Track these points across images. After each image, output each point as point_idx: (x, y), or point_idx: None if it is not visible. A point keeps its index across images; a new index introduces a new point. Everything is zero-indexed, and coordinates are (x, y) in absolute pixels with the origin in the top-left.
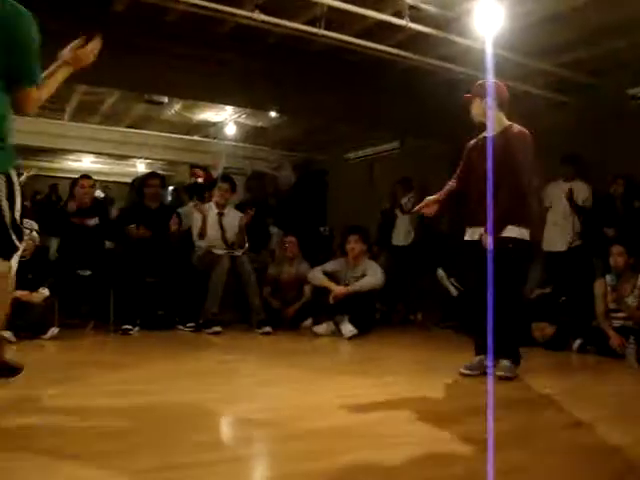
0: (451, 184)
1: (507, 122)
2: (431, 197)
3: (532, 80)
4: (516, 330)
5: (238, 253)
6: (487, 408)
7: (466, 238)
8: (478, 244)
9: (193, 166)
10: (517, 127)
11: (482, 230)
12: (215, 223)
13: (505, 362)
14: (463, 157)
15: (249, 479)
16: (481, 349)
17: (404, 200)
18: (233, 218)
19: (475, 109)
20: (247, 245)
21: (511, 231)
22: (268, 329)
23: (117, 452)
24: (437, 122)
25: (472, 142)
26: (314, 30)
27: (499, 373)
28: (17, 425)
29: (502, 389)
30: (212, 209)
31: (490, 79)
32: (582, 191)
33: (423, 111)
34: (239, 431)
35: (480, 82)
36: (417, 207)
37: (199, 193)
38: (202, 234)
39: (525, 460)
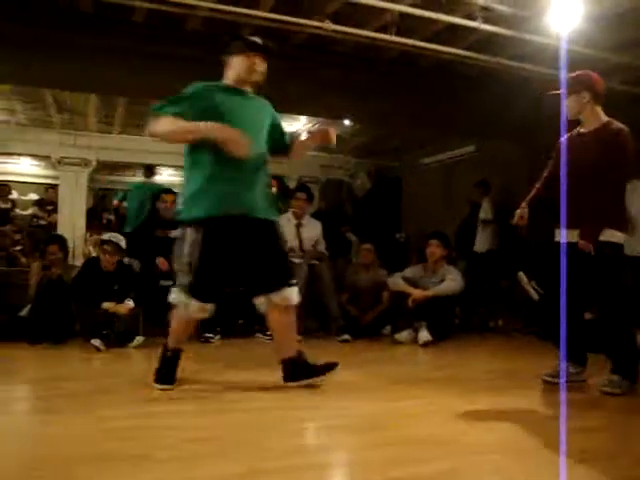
0: (537, 188)
1: (605, 118)
2: (522, 209)
3: (612, 75)
4: (629, 343)
5: (316, 262)
6: (573, 418)
7: (557, 239)
8: (571, 247)
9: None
10: (617, 124)
11: (577, 233)
12: (293, 233)
13: (614, 377)
14: (554, 156)
15: None
16: (566, 356)
17: (483, 209)
18: (312, 228)
19: (570, 105)
20: (327, 253)
21: (610, 235)
22: (347, 337)
23: (202, 458)
24: (511, 123)
25: (564, 138)
26: (385, 37)
27: (604, 388)
28: (113, 427)
29: (596, 400)
30: (290, 220)
31: (563, 77)
32: None
33: (497, 113)
34: (321, 438)
35: (573, 75)
36: (514, 221)
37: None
38: None
39: (616, 474)
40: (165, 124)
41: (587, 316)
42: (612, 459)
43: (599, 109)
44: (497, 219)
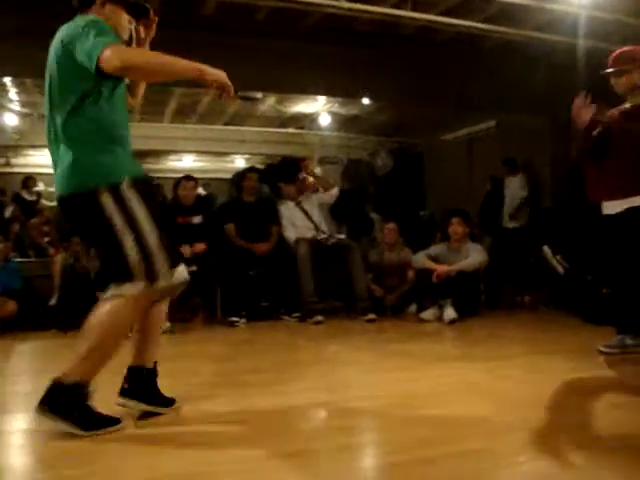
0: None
1: None
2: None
3: (637, 42)
4: None
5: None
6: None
7: (606, 212)
8: (620, 219)
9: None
10: None
11: (624, 203)
12: (299, 213)
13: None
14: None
15: (355, 468)
16: (623, 328)
17: (513, 186)
18: (312, 200)
19: (626, 81)
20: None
21: None
22: (372, 316)
23: (224, 441)
24: (532, 96)
25: (614, 112)
26: (401, 13)
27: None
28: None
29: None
30: (287, 204)
31: (585, 46)
32: None
33: (517, 85)
34: (346, 420)
35: (622, 52)
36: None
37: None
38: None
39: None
40: (141, 53)
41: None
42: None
43: None
44: (529, 196)
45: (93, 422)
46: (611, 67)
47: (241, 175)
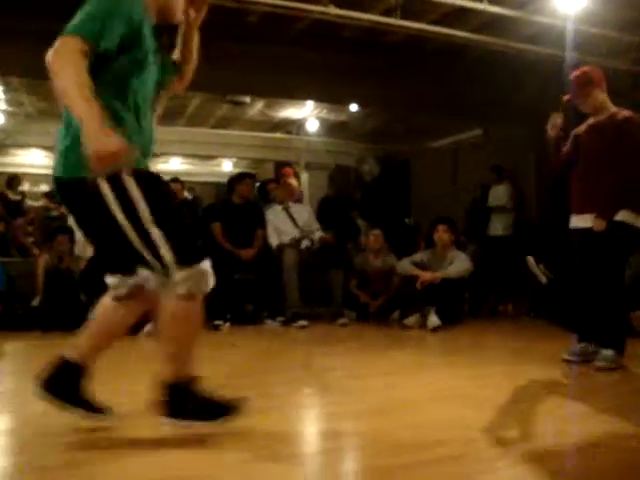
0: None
1: (613, 107)
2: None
3: (620, 54)
4: (620, 318)
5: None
6: (583, 401)
7: (572, 226)
8: (586, 232)
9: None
10: (625, 111)
11: (591, 216)
12: (286, 217)
13: (607, 352)
14: (570, 143)
15: (336, 472)
16: (585, 336)
17: (497, 194)
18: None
19: (591, 102)
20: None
21: (622, 215)
22: (344, 320)
23: (206, 443)
24: (519, 106)
25: (581, 128)
26: (390, 21)
27: (599, 364)
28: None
29: (605, 379)
30: (275, 208)
31: (571, 58)
32: None
33: (504, 95)
34: (328, 424)
35: (577, 77)
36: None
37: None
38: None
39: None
40: (70, 73)
41: None
42: (620, 443)
43: (607, 99)
44: (514, 205)
45: (214, 411)
46: (573, 94)
47: (237, 177)
